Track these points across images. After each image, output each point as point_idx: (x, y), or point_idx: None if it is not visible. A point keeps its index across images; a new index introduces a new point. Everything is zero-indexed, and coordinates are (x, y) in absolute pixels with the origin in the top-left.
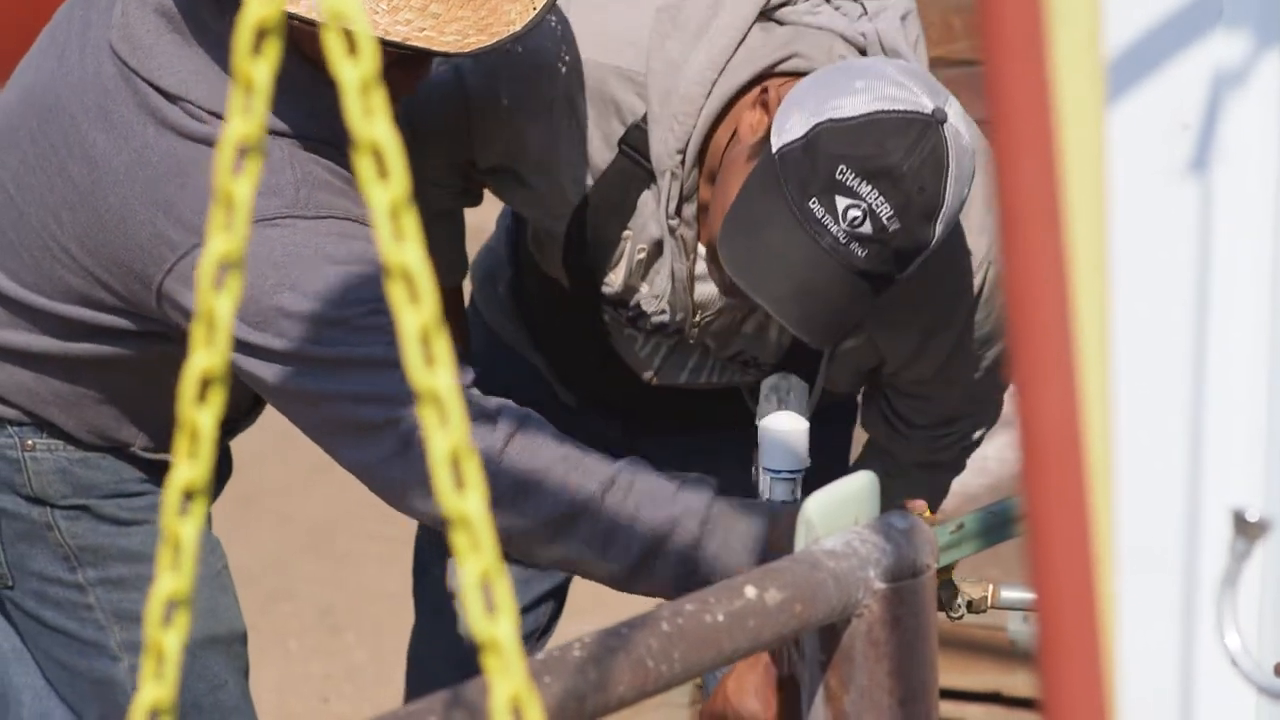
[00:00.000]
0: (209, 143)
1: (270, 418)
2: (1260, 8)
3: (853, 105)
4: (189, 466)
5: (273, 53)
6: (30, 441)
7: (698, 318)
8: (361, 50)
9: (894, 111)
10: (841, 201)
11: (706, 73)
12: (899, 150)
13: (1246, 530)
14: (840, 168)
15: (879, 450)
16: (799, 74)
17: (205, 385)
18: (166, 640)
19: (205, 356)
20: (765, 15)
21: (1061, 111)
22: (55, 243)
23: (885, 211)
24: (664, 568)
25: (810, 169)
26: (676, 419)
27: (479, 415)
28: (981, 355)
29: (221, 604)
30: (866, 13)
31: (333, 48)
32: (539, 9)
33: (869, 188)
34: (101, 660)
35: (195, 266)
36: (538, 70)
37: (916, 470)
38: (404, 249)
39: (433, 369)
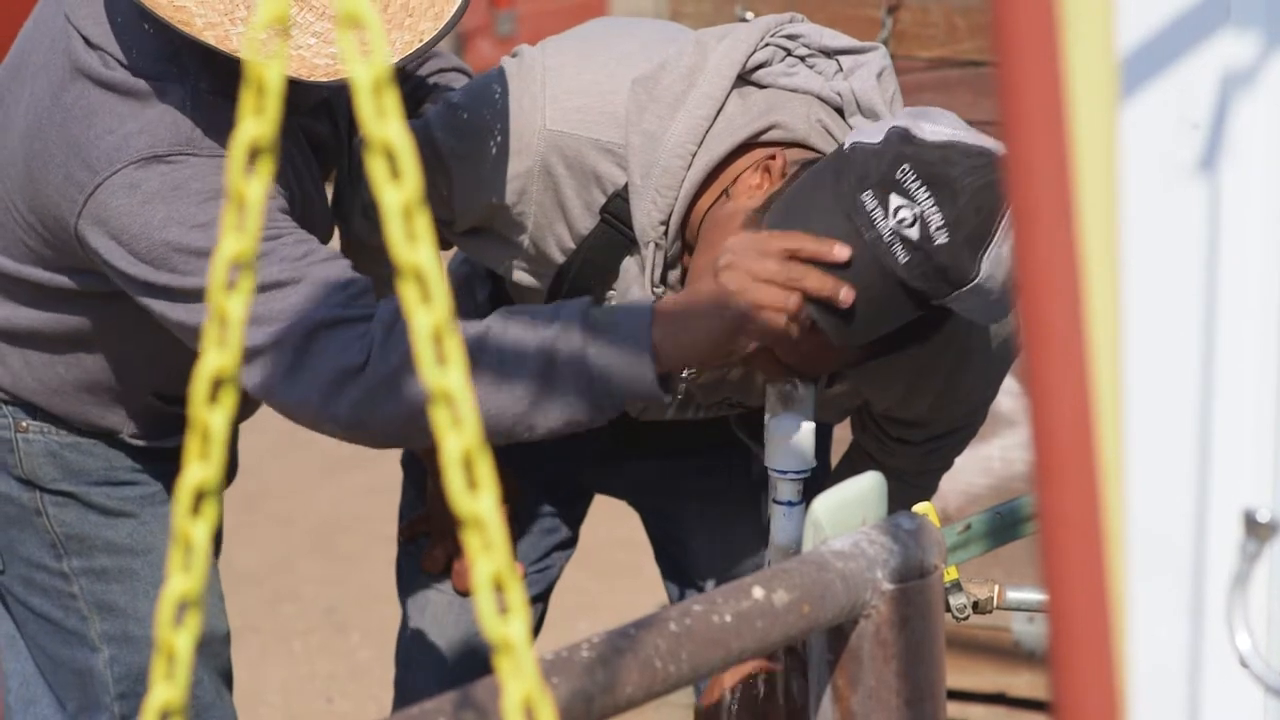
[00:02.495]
0: (116, 89)
1: (274, 420)
2: (1267, 7)
3: (934, 131)
4: (200, 467)
5: (284, 53)
6: (24, 423)
7: (685, 374)
8: (374, 51)
9: (971, 144)
10: (895, 200)
11: (686, 145)
12: (963, 166)
13: (1257, 531)
14: (903, 167)
15: (865, 455)
16: (782, 144)
17: (217, 385)
18: (178, 641)
19: (217, 357)
20: (742, 78)
21: (1075, 111)
22: (9, 200)
23: (936, 221)
24: (564, 382)
25: (874, 164)
26: (666, 433)
27: (363, 306)
28: (973, 386)
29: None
30: (842, 70)
31: (346, 49)
32: (425, 40)
33: (926, 193)
34: (82, 650)
35: (102, 206)
36: (515, 142)
37: (908, 476)
38: (416, 250)
39: (445, 368)
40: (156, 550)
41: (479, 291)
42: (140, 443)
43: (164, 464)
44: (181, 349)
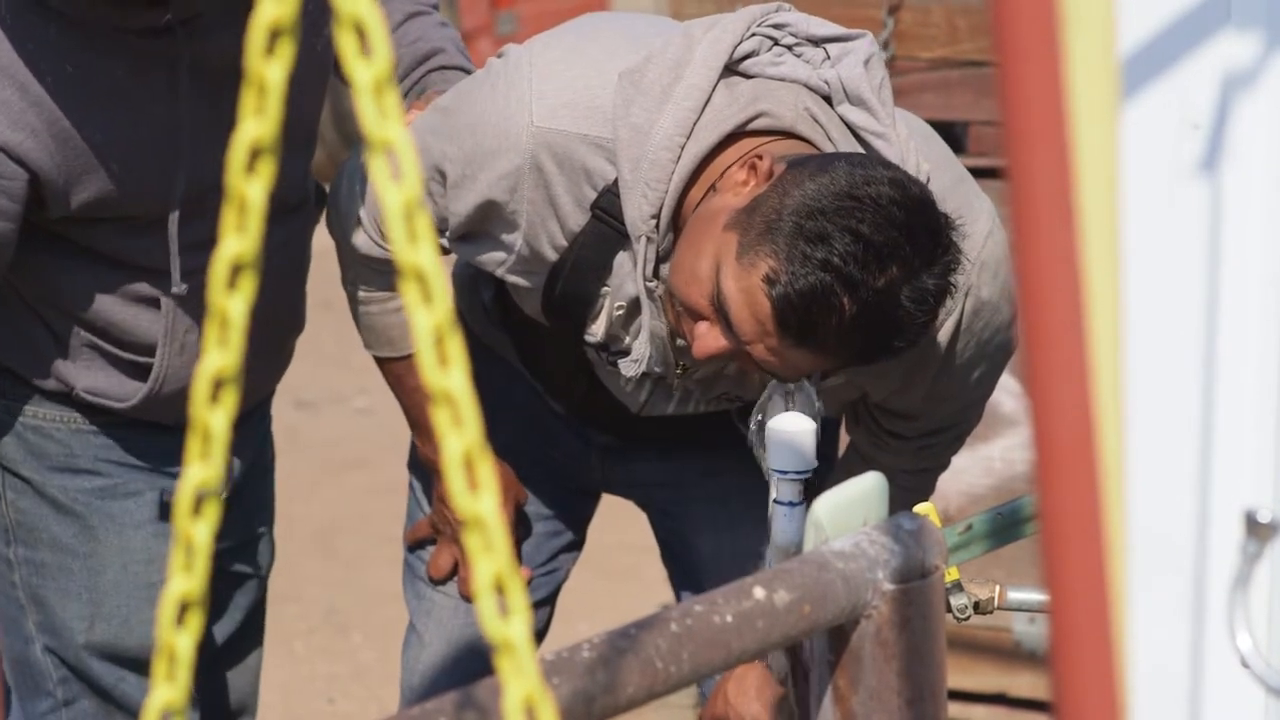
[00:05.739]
0: None
1: (275, 421)
2: (1267, 8)
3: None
4: (200, 467)
5: (286, 54)
6: None
7: (680, 370)
8: (375, 51)
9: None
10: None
11: (675, 138)
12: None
13: (1258, 531)
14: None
15: (863, 457)
16: (770, 132)
17: (217, 386)
18: (179, 642)
19: (218, 357)
20: (729, 69)
21: (1076, 112)
22: None
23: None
24: None
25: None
26: (671, 431)
27: None
28: (967, 378)
29: (138, 617)
30: (830, 58)
31: (346, 48)
32: None
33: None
34: (18, 640)
35: None
36: (504, 141)
37: (902, 475)
38: (417, 250)
39: (446, 369)
40: (97, 556)
41: (483, 292)
42: (94, 400)
43: (123, 446)
44: (90, 280)
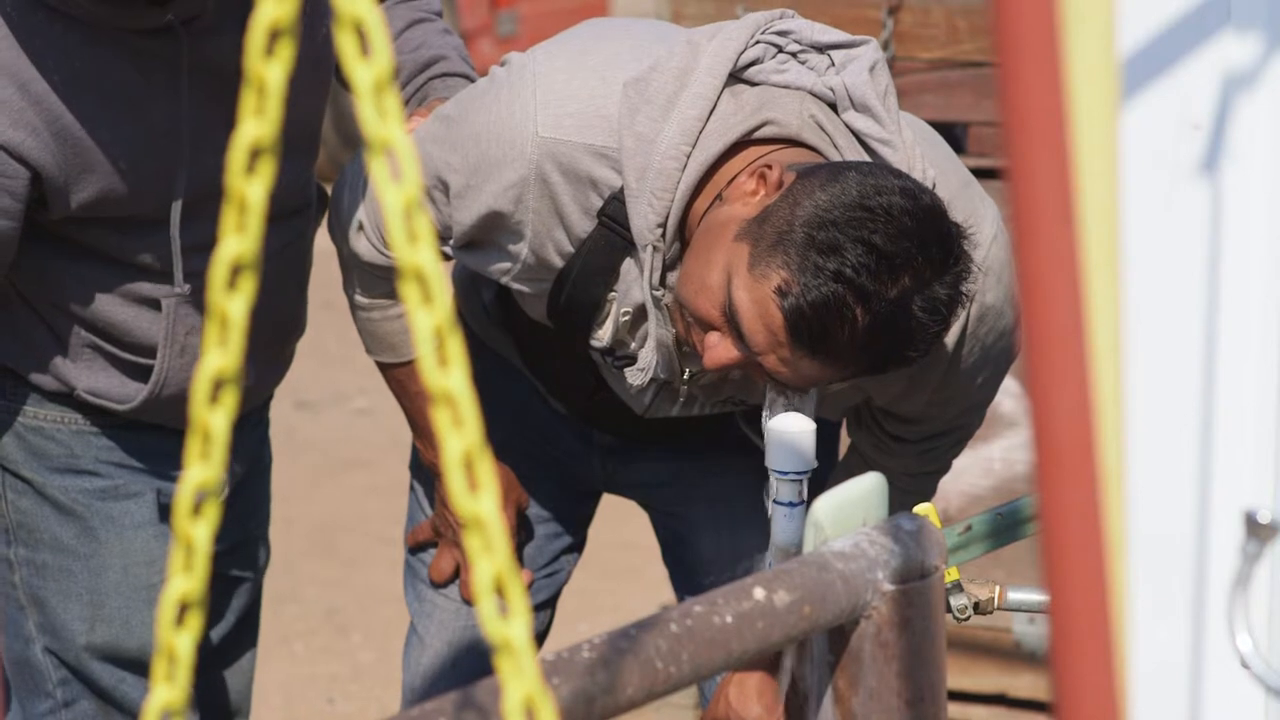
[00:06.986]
0: None
1: (275, 421)
2: (1267, 9)
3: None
4: (201, 467)
5: (286, 54)
6: None
7: (686, 376)
8: (375, 52)
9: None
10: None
11: (680, 146)
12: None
13: (1258, 532)
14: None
15: (865, 459)
16: (775, 140)
17: (217, 386)
18: (178, 642)
19: (218, 357)
20: (734, 76)
21: (1076, 113)
22: None
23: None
24: None
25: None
26: (671, 431)
27: None
28: (971, 382)
29: (138, 619)
30: (834, 65)
31: (346, 49)
32: None
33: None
34: (18, 640)
35: None
36: (509, 151)
37: (904, 478)
38: (417, 250)
39: (446, 369)
40: (98, 557)
41: (484, 293)
42: (94, 400)
43: (124, 448)
44: (91, 280)
